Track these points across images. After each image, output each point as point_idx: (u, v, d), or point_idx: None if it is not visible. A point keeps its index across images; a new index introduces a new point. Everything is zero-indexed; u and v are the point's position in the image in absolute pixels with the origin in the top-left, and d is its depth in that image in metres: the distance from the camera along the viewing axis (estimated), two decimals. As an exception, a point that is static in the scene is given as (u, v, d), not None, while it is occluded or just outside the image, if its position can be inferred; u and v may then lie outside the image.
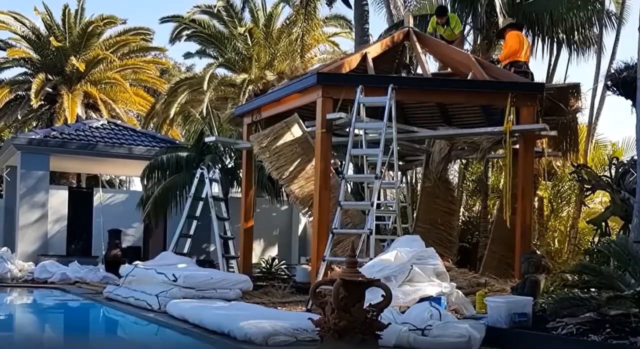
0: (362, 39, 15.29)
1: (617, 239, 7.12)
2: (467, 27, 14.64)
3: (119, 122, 21.03)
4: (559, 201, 13.87)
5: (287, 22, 21.93)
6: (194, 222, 11.86)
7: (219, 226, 11.76)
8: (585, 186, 11.18)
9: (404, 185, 14.50)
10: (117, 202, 18.59)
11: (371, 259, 8.12)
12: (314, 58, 22.85)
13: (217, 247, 11.60)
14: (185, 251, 11.58)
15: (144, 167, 16.14)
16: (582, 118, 13.35)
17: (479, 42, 14.34)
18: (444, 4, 15.18)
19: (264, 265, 14.89)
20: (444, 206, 12.36)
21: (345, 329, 4.56)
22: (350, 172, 12.10)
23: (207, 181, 11.86)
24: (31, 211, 16.87)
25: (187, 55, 24.48)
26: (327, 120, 9.74)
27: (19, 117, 25.80)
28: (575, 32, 14.12)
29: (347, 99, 9.70)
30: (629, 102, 10.30)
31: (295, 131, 10.93)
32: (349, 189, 13.57)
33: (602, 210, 11.14)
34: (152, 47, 28.03)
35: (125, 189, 27.70)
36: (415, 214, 12.50)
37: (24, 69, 26.21)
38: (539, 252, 8.31)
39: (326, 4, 17.44)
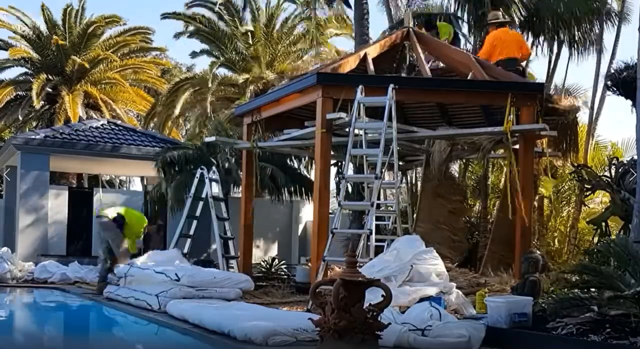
0: (362, 39, 15.26)
1: (617, 239, 7.11)
2: (467, 27, 14.65)
3: (119, 122, 21.02)
4: (559, 201, 13.87)
5: (287, 21, 21.98)
6: (194, 222, 11.86)
7: (219, 226, 11.75)
8: (585, 186, 11.18)
9: (404, 185, 14.50)
10: (117, 202, 18.57)
11: (371, 259, 8.13)
12: (314, 58, 22.87)
13: (217, 247, 11.60)
14: (185, 251, 11.58)
15: (143, 167, 16.09)
16: (582, 117, 13.38)
17: (479, 42, 14.33)
18: (443, 5, 15.22)
19: (264, 265, 14.89)
20: (448, 205, 12.34)
21: (345, 329, 4.56)
22: (350, 172, 12.08)
23: (207, 181, 11.86)
24: (31, 211, 16.86)
25: (194, 54, 24.48)
26: (327, 120, 9.73)
27: (20, 117, 25.80)
28: (576, 31, 14.10)
29: (347, 99, 9.69)
30: (629, 102, 10.30)
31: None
32: (349, 189, 13.57)
33: (602, 210, 11.14)
34: (153, 47, 28.07)
35: (125, 189, 27.71)
36: (415, 214, 12.49)
37: (24, 69, 26.24)
38: (539, 253, 8.30)
39: (326, 3, 17.44)
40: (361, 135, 9.65)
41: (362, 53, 11.26)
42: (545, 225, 12.96)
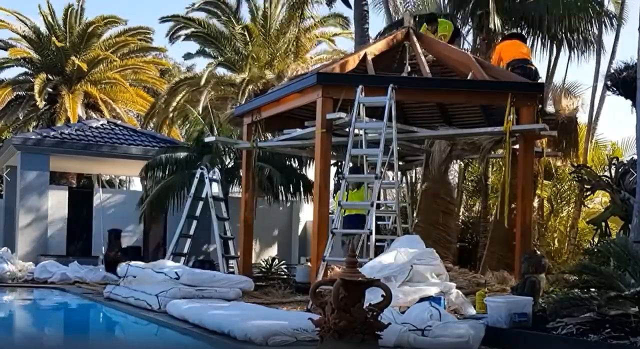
0: (362, 39, 15.29)
1: (617, 239, 7.11)
2: (467, 27, 14.65)
3: (118, 122, 21.03)
4: (559, 201, 13.87)
5: (282, 21, 21.98)
6: (194, 222, 11.86)
7: (219, 226, 11.75)
8: (585, 186, 11.18)
9: (404, 185, 14.50)
10: (117, 202, 18.59)
11: (371, 259, 8.12)
12: (314, 58, 22.86)
13: (217, 247, 11.60)
14: (185, 251, 11.59)
15: (143, 167, 16.13)
16: (582, 117, 13.39)
17: (478, 42, 14.34)
18: (441, 5, 15.20)
19: (263, 265, 14.89)
20: (444, 206, 12.35)
21: (345, 329, 4.56)
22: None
23: (207, 181, 11.86)
24: (31, 211, 16.87)
25: (187, 55, 24.55)
26: (327, 120, 9.73)
27: (20, 117, 25.81)
28: (575, 32, 14.09)
29: (347, 99, 9.69)
30: (629, 102, 10.30)
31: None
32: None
33: (602, 210, 11.14)
34: (152, 47, 28.08)
35: (125, 189, 27.71)
36: (415, 214, 12.49)
37: (24, 69, 26.25)
38: (539, 253, 8.30)
39: (326, 3, 17.45)
40: (361, 135, 9.65)
41: (362, 53, 11.26)
42: (545, 225, 12.96)
